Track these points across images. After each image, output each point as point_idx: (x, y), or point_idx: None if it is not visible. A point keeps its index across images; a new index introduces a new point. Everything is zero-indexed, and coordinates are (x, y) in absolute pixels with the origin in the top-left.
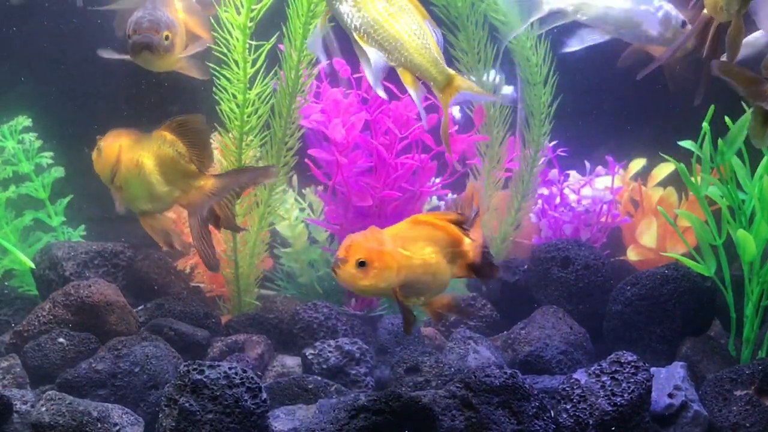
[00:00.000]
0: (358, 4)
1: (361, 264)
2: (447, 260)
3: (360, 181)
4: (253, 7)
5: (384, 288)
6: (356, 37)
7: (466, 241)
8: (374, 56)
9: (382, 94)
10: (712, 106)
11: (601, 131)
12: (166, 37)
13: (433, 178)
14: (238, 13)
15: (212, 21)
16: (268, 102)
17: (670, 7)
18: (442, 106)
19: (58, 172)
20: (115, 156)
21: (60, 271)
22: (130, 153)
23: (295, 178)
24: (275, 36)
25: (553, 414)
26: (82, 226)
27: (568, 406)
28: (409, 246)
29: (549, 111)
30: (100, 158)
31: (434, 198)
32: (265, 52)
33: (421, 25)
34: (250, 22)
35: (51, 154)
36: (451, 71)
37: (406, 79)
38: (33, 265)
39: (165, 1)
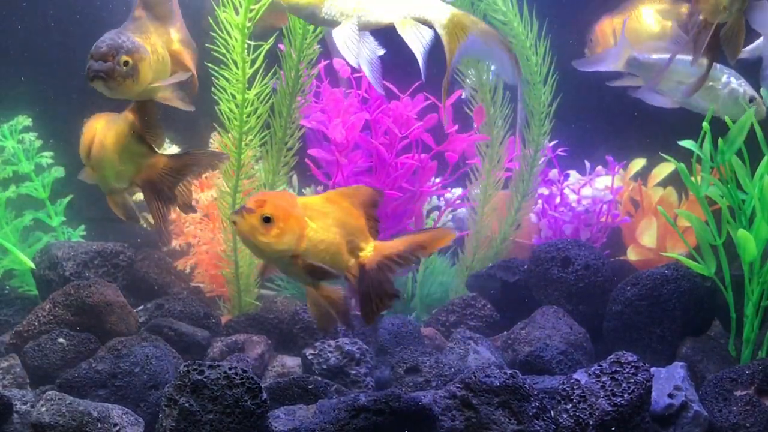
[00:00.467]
0: None
1: (266, 220)
2: (347, 249)
3: (360, 181)
4: (252, 7)
5: (280, 251)
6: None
7: (371, 243)
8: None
9: (379, 88)
10: (712, 106)
11: (601, 131)
12: (125, 63)
13: (433, 178)
14: (237, 13)
15: (211, 21)
16: (267, 102)
17: (737, 84)
18: (447, 49)
19: (58, 172)
20: (91, 138)
21: (60, 271)
22: (99, 134)
23: (295, 178)
24: (273, 36)
25: (553, 414)
26: (82, 226)
27: (568, 407)
28: (318, 220)
29: (549, 110)
30: (81, 140)
31: (434, 198)
32: (263, 52)
33: None
34: (249, 22)
35: (51, 154)
36: (452, 8)
37: (403, 26)
38: (33, 265)
39: (140, 26)
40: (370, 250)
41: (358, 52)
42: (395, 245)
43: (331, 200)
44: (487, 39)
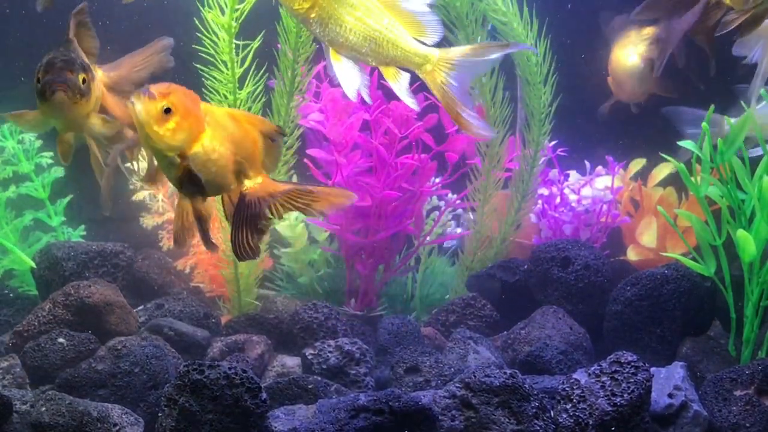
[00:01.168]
0: (323, 19)
1: (166, 111)
2: (233, 170)
3: (360, 181)
4: (237, 7)
5: (170, 146)
6: (330, 52)
7: (261, 176)
8: (346, 73)
9: (368, 99)
10: (712, 106)
11: (601, 131)
12: (83, 80)
13: (433, 178)
14: (222, 14)
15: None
16: (259, 101)
17: None
18: (433, 90)
19: (58, 172)
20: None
21: (60, 271)
22: None
23: (294, 178)
24: (261, 34)
25: (552, 414)
26: (82, 227)
27: (568, 406)
28: (216, 129)
29: (549, 110)
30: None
31: (434, 198)
32: (252, 51)
33: (389, 17)
34: (235, 21)
35: (51, 154)
36: (432, 50)
37: (388, 74)
38: (33, 264)
39: (75, 49)
40: (258, 181)
41: (352, 83)
42: (284, 186)
43: (235, 117)
44: (477, 54)
